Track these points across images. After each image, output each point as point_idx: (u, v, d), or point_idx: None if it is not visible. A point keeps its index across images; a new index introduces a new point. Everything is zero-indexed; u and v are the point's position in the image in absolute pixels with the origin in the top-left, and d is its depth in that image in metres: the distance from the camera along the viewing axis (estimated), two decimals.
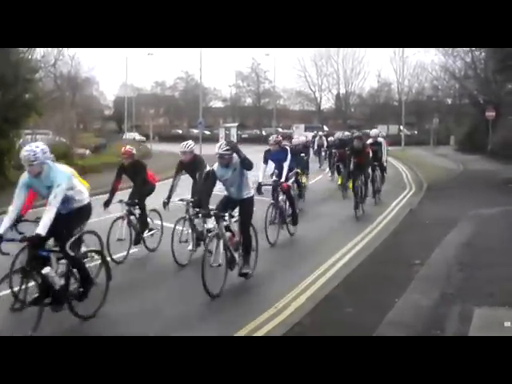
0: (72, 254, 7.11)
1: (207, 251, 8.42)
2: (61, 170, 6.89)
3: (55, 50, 29.23)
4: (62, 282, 6.89)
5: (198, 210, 9.69)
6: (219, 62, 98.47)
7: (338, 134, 24.23)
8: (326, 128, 61.89)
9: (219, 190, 9.36)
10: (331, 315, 7.29)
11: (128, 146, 11.05)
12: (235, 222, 9.08)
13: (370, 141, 18.10)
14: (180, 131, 75.41)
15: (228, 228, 8.83)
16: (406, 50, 57.72)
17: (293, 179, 13.46)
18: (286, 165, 12.23)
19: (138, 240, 10.70)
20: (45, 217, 6.51)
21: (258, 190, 11.47)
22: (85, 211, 7.40)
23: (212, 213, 8.72)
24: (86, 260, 7.53)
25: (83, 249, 8.07)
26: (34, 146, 6.62)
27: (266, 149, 12.80)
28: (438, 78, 56.43)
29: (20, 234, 7.21)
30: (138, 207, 10.88)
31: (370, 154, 16.75)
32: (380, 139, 18.35)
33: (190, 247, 10.33)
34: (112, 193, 10.44)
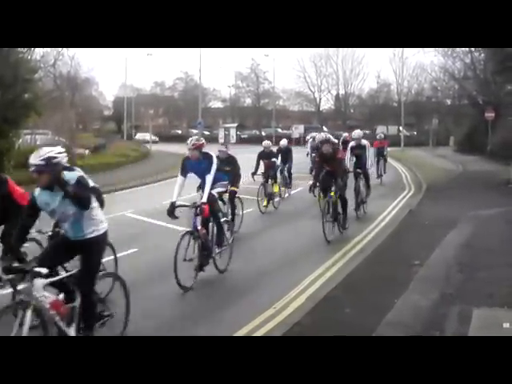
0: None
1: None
2: None
3: (55, 50, 29.33)
4: None
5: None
6: (219, 63, 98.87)
7: (320, 136, 22.57)
8: (325, 129, 62.00)
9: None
10: (330, 316, 7.29)
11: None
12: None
13: (352, 144, 15.98)
14: (179, 131, 75.47)
15: (61, 285, 5.89)
16: (406, 50, 57.76)
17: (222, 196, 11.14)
18: (208, 178, 9.12)
19: None
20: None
21: (170, 212, 9.03)
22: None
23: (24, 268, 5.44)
24: None
25: None
26: None
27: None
28: (438, 78, 56.50)
29: None
30: None
31: (352, 160, 15.38)
32: (364, 142, 15.81)
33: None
34: None
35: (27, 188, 9.40)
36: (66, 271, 6.32)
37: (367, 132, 52.43)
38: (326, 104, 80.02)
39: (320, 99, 78.30)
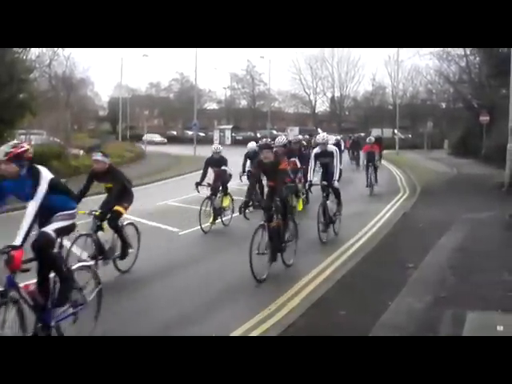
0: None
1: None
2: None
3: (50, 50, 29.27)
4: None
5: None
6: (214, 64, 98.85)
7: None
8: (320, 131, 62.01)
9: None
10: (324, 317, 7.30)
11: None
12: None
13: (316, 150, 12.85)
14: (174, 132, 75.42)
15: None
16: (401, 53, 57.97)
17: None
18: (30, 208, 5.69)
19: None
20: None
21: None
22: None
23: None
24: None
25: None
26: None
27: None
28: (433, 82, 56.56)
29: None
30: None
31: (318, 171, 13.11)
32: (331, 148, 12.79)
33: None
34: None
35: None
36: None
37: (362, 134, 52.48)
38: (322, 106, 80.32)
39: (315, 101, 78.55)
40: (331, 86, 76.83)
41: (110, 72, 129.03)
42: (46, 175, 5.94)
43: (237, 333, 6.86)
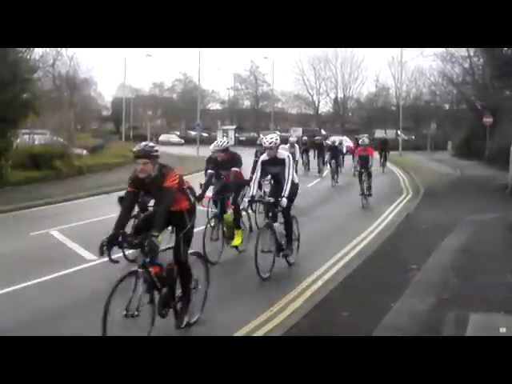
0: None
1: None
2: None
3: (54, 50, 29.30)
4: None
5: None
6: (218, 65, 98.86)
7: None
8: (323, 132, 62.00)
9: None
10: (327, 318, 7.28)
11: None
12: None
13: (263, 157, 9.90)
14: (178, 133, 75.39)
15: None
16: (405, 54, 57.90)
17: None
18: None
19: None
20: None
21: None
22: None
23: None
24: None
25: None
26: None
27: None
28: (436, 83, 56.55)
29: None
30: None
31: (265, 183, 12.01)
32: (282, 154, 9.72)
33: None
34: None
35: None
36: None
37: (366, 135, 52.37)
38: (325, 107, 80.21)
39: (319, 102, 78.48)
40: (334, 87, 76.90)
41: (113, 72, 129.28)
42: None
43: (239, 334, 6.85)
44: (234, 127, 72.90)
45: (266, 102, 79.52)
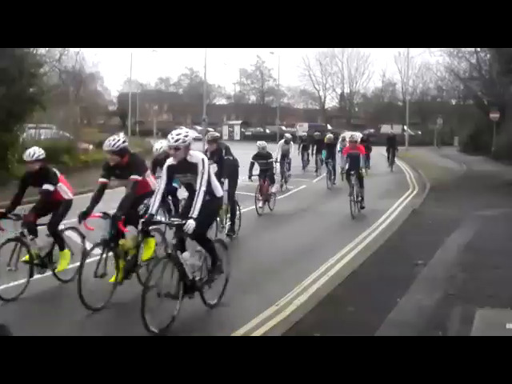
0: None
1: None
2: None
3: None
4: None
5: None
6: (224, 60, 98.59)
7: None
8: (329, 127, 61.96)
9: None
10: (333, 314, 7.27)
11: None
12: None
13: (170, 161, 7.42)
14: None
15: None
16: (411, 50, 57.49)
17: None
18: None
19: None
20: None
21: None
22: None
23: None
24: None
25: None
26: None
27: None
28: (443, 78, 56.18)
29: None
30: None
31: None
32: (198, 156, 7.30)
33: None
34: None
35: None
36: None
37: (372, 131, 52.29)
38: (331, 102, 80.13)
39: (325, 97, 78.37)
40: (341, 82, 76.80)
41: (119, 67, 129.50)
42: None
43: (244, 329, 6.86)
44: (239, 122, 72.93)
45: (272, 97, 79.52)
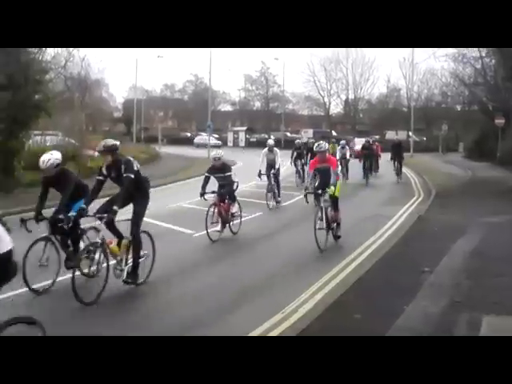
0: None
1: None
2: None
3: (65, 51, 29.28)
4: None
5: None
6: (228, 66, 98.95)
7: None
8: (334, 133, 61.99)
9: None
10: (339, 321, 7.26)
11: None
12: None
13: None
14: (188, 134, 75.54)
15: None
16: (416, 55, 57.68)
17: None
18: None
19: None
20: None
21: None
22: None
23: None
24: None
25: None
26: None
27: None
28: (448, 84, 56.09)
29: None
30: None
31: None
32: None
33: None
34: None
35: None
36: None
37: (377, 137, 52.21)
38: (336, 108, 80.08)
39: (329, 103, 78.32)
40: (345, 88, 76.73)
41: (124, 73, 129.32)
42: None
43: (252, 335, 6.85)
44: (244, 128, 73.06)
45: (276, 103, 79.65)
